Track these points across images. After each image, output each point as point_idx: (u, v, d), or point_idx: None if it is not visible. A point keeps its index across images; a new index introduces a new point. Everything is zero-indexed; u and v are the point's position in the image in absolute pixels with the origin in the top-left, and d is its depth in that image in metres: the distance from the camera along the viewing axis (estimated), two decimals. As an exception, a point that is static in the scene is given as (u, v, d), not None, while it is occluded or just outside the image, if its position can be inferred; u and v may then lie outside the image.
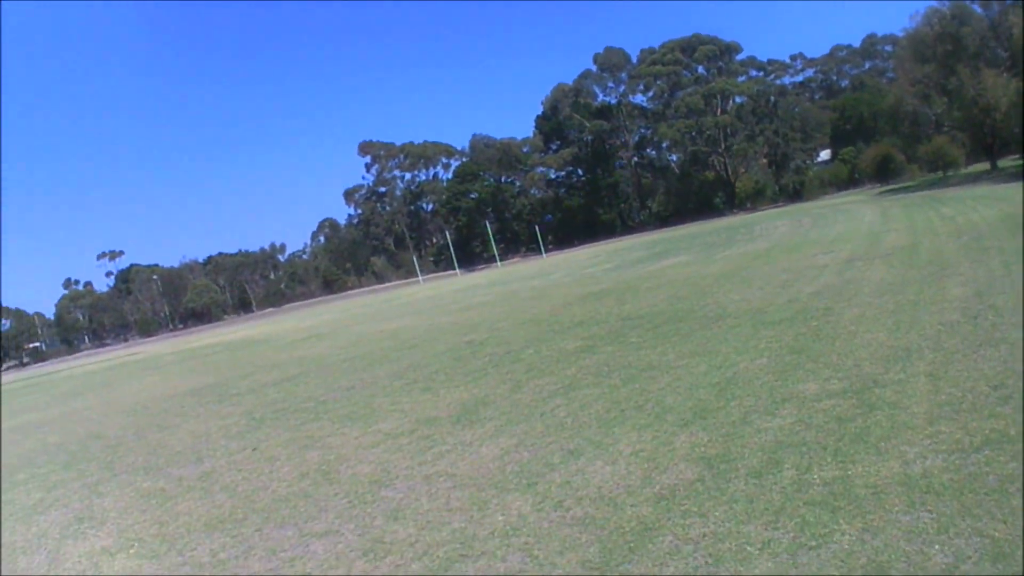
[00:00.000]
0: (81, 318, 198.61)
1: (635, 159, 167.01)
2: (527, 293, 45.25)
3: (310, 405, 19.69)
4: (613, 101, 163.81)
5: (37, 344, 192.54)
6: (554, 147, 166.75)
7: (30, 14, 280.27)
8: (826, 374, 12.08)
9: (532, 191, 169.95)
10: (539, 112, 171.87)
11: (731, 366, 14.05)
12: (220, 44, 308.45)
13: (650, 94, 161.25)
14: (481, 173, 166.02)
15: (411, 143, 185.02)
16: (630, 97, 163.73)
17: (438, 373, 20.55)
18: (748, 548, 6.89)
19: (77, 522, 12.74)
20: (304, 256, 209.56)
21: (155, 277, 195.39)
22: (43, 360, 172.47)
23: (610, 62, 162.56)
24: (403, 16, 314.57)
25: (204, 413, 22.44)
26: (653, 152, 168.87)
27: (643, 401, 12.83)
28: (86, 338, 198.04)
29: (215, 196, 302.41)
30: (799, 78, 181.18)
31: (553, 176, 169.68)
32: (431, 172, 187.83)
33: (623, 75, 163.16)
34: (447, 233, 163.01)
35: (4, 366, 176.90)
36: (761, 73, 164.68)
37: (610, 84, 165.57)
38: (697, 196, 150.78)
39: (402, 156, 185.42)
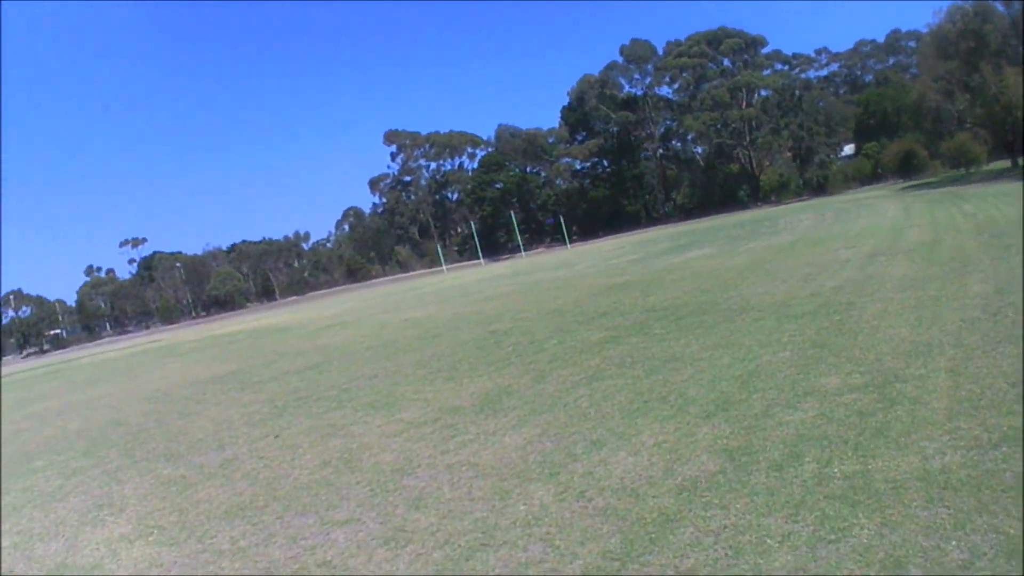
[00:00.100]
0: (103, 305, 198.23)
1: (660, 151, 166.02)
2: (551, 283, 45.24)
3: (333, 393, 19.71)
4: (639, 93, 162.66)
5: (58, 331, 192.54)
6: (580, 138, 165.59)
7: None
8: (848, 368, 12.08)
9: (557, 182, 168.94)
10: (565, 103, 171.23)
11: (754, 359, 14.07)
12: (247, 32, 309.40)
13: (676, 86, 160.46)
14: (506, 163, 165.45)
15: (437, 133, 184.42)
16: (656, 89, 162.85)
17: (461, 362, 20.60)
18: (768, 541, 6.91)
19: (96, 509, 12.75)
20: (328, 244, 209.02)
21: (178, 264, 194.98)
22: (63, 347, 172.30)
23: (636, 54, 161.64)
24: (431, 6, 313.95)
25: (226, 400, 22.46)
26: (678, 144, 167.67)
27: (666, 392, 12.84)
28: (107, 325, 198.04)
29: (240, 184, 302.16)
30: (823, 72, 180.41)
31: (578, 167, 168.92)
32: (456, 162, 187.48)
33: (649, 67, 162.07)
34: (472, 223, 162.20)
35: (24, 353, 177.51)
36: (786, 67, 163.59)
37: (636, 76, 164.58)
38: (722, 189, 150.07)
39: (428, 145, 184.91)
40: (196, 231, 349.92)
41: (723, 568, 6.61)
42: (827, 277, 23.14)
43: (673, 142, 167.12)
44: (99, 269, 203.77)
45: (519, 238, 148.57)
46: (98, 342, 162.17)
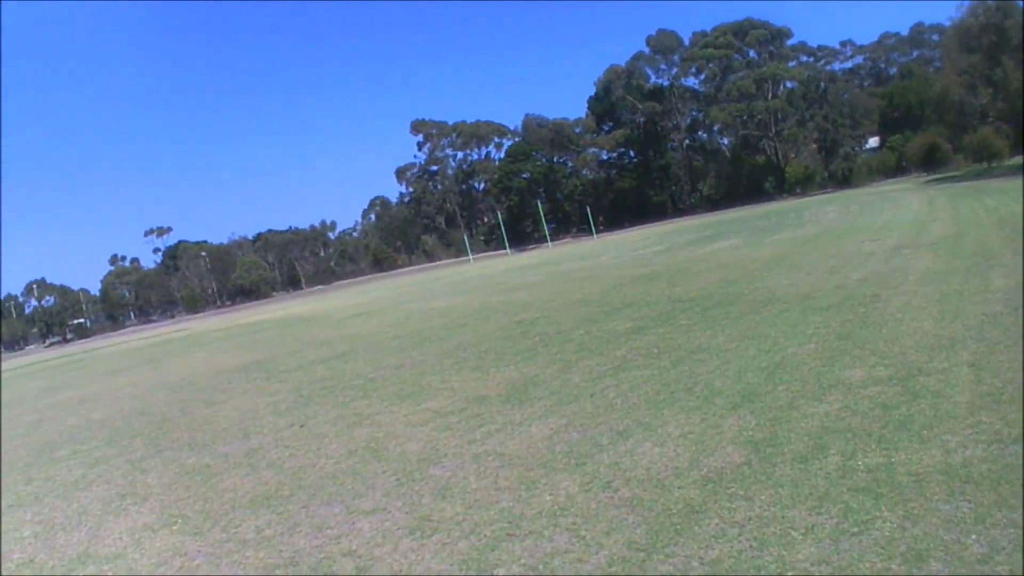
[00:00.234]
0: (127, 294, 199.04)
1: (687, 142, 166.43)
2: (578, 274, 45.24)
3: (359, 382, 19.75)
4: (665, 83, 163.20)
5: (81, 320, 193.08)
6: (606, 128, 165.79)
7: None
8: (872, 361, 12.10)
9: (584, 172, 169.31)
10: (592, 93, 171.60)
11: (779, 350, 14.11)
12: (275, 22, 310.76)
13: (702, 77, 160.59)
14: (533, 153, 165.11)
15: (463, 122, 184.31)
16: (682, 80, 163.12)
17: (488, 352, 20.64)
18: (792, 533, 6.94)
19: (119, 498, 12.76)
20: (355, 234, 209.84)
21: (203, 254, 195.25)
22: (87, 336, 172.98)
23: (662, 44, 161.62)
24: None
25: (251, 390, 22.49)
26: (704, 135, 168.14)
27: (692, 384, 12.88)
28: (132, 315, 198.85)
29: (266, 173, 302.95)
30: (848, 65, 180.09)
31: (605, 157, 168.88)
32: (483, 151, 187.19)
33: (675, 58, 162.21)
34: (498, 212, 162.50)
35: (47, 342, 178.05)
36: (811, 59, 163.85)
37: (662, 66, 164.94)
38: (747, 180, 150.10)
39: (454, 135, 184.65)
40: (222, 220, 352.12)
41: (747, 560, 6.63)
42: (852, 269, 23.16)
43: (699, 133, 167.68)
44: (124, 258, 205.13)
45: (545, 228, 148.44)
46: (122, 331, 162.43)
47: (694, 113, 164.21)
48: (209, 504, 11.38)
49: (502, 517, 8.60)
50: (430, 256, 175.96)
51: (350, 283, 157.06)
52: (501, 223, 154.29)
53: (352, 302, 65.60)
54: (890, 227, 35.77)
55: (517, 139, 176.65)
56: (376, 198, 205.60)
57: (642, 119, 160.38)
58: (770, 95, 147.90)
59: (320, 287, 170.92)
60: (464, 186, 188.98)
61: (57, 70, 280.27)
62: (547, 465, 10.11)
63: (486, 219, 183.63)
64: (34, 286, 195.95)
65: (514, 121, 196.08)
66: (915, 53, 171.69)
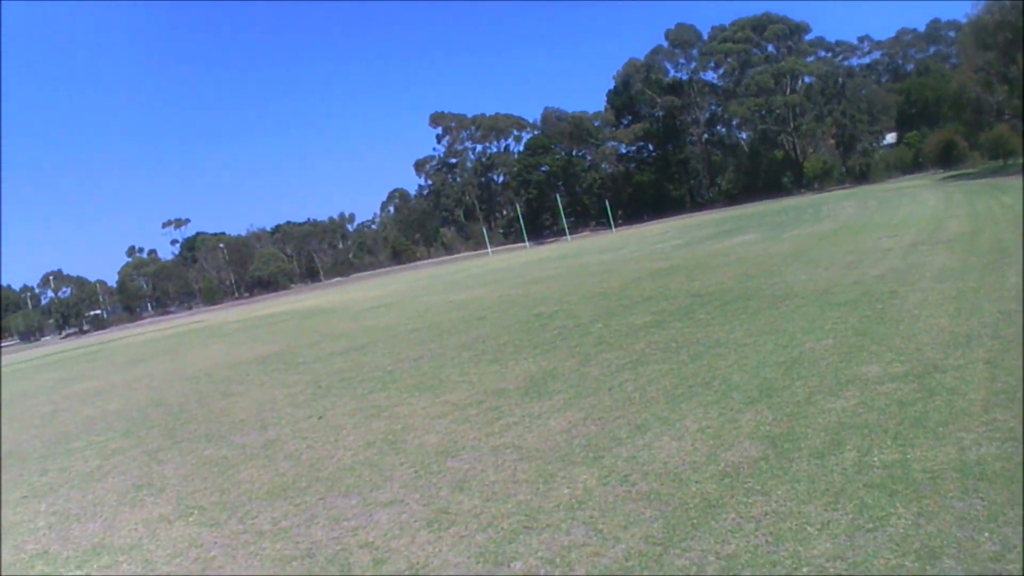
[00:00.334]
0: (144, 286, 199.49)
1: (705, 136, 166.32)
2: (596, 267, 45.33)
3: (377, 375, 19.77)
4: (684, 77, 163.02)
5: (98, 312, 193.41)
6: (625, 122, 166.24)
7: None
8: (889, 357, 12.11)
9: (603, 165, 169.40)
10: (611, 87, 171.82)
11: (797, 346, 14.12)
12: (292, 12, 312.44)
13: (720, 71, 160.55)
14: (552, 146, 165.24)
15: (483, 115, 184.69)
16: (701, 74, 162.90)
17: (507, 345, 20.69)
18: (808, 528, 6.95)
19: (135, 489, 12.78)
20: (373, 226, 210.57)
21: (221, 245, 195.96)
22: (103, 328, 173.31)
23: (681, 39, 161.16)
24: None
25: (269, 381, 22.54)
26: (723, 130, 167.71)
27: (710, 378, 12.91)
28: (149, 306, 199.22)
29: (284, 165, 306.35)
30: (866, 60, 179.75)
31: (624, 151, 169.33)
32: (502, 144, 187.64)
33: (694, 52, 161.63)
34: (517, 206, 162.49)
35: (63, 333, 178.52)
36: (829, 54, 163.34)
37: (681, 61, 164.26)
38: (766, 175, 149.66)
39: (474, 128, 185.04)
40: (240, 212, 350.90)
41: (763, 555, 6.66)
42: (870, 265, 23.13)
43: (718, 127, 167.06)
44: (141, 250, 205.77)
45: (564, 221, 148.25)
46: (139, 323, 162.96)
47: (713, 107, 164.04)
48: (226, 495, 11.42)
49: (520, 510, 8.63)
50: (449, 249, 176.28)
51: (369, 275, 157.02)
52: (520, 216, 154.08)
53: (371, 294, 65.79)
54: (907, 223, 35.67)
55: (536, 132, 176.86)
56: (395, 190, 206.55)
57: (661, 113, 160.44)
58: (788, 90, 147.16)
59: (338, 279, 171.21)
60: (483, 179, 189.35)
61: (76, 63, 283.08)
62: (565, 458, 10.13)
63: (505, 212, 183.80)
64: (51, 277, 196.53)
65: (533, 114, 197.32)
66: (932, 50, 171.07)
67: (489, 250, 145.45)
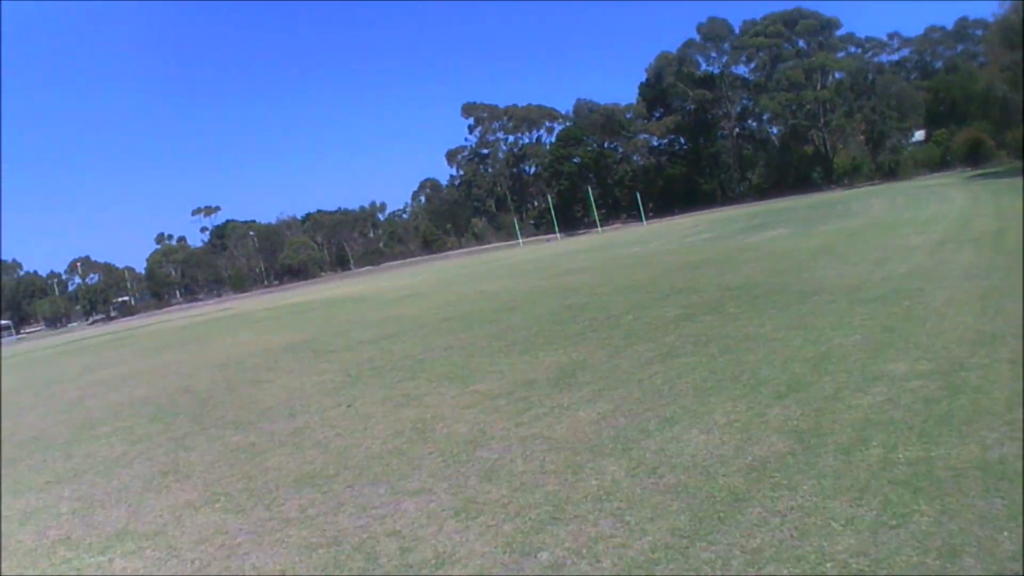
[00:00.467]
0: (173, 273, 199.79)
1: (736, 130, 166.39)
2: (627, 259, 45.44)
3: (407, 363, 19.82)
4: (716, 71, 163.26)
5: (126, 298, 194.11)
6: (657, 115, 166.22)
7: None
8: (915, 354, 12.11)
9: (634, 158, 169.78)
10: (643, 79, 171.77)
11: (826, 341, 14.12)
12: (325, 3, 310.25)
13: (752, 66, 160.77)
14: (584, 138, 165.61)
15: (515, 106, 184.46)
16: (732, 68, 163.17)
17: (537, 336, 20.73)
18: (833, 524, 6.98)
19: (161, 476, 12.82)
20: (404, 215, 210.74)
21: (251, 233, 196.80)
22: (131, 314, 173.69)
23: (713, 32, 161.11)
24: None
25: (298, 369, 22.60)
26: (754, 124, 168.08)
27: (739, 372, 12.93)
28: (177, 293, 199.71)
29: (316, 154, 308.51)
30: (895, 57, 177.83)
31: (655, 144, 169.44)
32: (534, 135, 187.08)
33: (726, 46, 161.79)
34: (548, 197, 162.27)
35: (90, 320, 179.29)
36: (859, 50, 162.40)
37: (713, 54, 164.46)
38: (796, 170, 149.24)
39: (506, 118, 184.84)
40: (271, 200, 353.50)
41: (788, 549, 6.69)
42: (898, 262, 23.15)
43: (749, 122, 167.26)
44: (170, 237, 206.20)
45: (595, 213, 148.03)
46: (167, 310, 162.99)
47: (744, 101, 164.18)
48: (253, 482, 11.45)
49: (547, 501, 8.66)
50: (480, 239, 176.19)
51: (399, 264, 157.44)
52: (551, 207, 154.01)
53: (401, 283, 65.99)
54: (935, 221, 35.70)
55: (568, 124, 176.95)
56: (426, 180, 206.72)
57: (692, 106, 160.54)
58: (819, 85, 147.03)
59: (369, 268, 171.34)
60: (515, 170, 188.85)
61: (108, 50, 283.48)
62: (593, 450, 10.17)
63: (536, 203, 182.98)
64: (78, 264, 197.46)
65: (565, 106, 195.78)
66: (960, 47, 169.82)
67: (520, 241, 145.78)
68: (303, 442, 13.38)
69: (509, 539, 7.85)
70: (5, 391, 32.46)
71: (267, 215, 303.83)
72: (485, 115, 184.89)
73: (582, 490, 8.79)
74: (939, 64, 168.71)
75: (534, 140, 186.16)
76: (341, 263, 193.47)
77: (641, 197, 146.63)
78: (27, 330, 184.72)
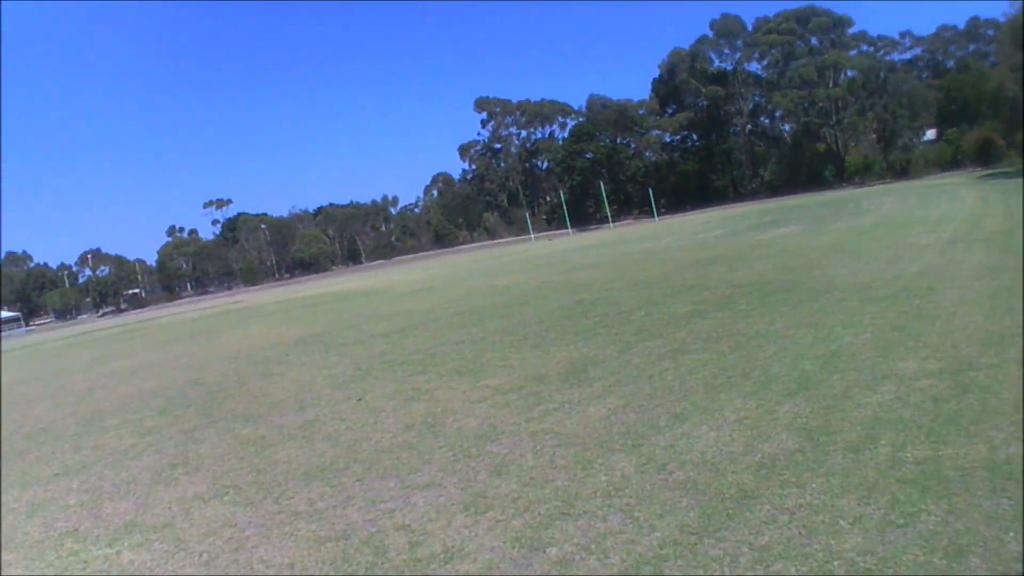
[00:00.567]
0: (184, 265, 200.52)
1: (749, 127, 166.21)
2: (639, 255, 45.44)
3: (418, 357, 19.84)
4: (729, 68, 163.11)
5: (136, 290, 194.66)
6: (670, 111, 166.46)
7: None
8: (925, 353, 12.11)
9: (647, 154, 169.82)
10: (656, 75, 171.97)
11: (836, 339, 14.13)
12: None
13: (764, 63, 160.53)
14: (597, 133, 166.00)
15: (527, 101, 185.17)
16: (745, 65, 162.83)
17: (548, 331, 20.74)
18: (841, 522, 6.98)
19: (170, 468, 12.83)
20: (416, 210, 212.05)
21: (263, 226, 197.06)
22: (141, 306, 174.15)
23: (726, 29, 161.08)
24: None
25: (309, 362, 22.62)
26: (766, 121, 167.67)
27: (749, 369, 12.95)
28: (188, 286, 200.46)
29: (328, 148, 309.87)
30: (907, 56, 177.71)
31: (668, 140, 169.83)
32: (547, 130, 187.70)
33: (738, 42, 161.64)
34: (560, 192, 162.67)
35: (100, 312, 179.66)
36: (871, 48, 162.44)
37: (726, 51, 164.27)
38: (808, 167, 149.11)
39: (518, 113, 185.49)
40: (283, 194, 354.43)
41: (796, 547, 6.70)
42: (909, 261, 23.17)
43: (761, 119, 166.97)
44: (182, 230, 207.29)
45: (607, 209, 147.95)
46: (178, 302, 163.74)
47: (756, 98, 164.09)
48: (262, 475, 11.47)
49: (557, 496, 8.67)
50: (491, 234, 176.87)
51: (411, 258, 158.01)
52: (563, 203, 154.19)
53: (412, 277, 66.09)
54: (946, 220, 35.72)
55: (581, 119, 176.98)
56: (439, 174, 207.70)
57: (705, 103, 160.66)
58: (831, 83, 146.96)
59: (380, 262, 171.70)
60: (527, 165, 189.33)
61: (121, 44, 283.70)
62: (603, 445, 10.18)
63: (548, 198, 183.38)
64: (88, 256, 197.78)
65: (578, 101, 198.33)
66: (972, 47, 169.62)
67: (532, 236, 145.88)
68: (313, 435, 13.39)
69: (518, 534, 7.86)
70: (15, 383, 32.64)
71: (279, 208, 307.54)
72: (498, 110, 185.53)
73: (591, 486, 8.80)
74: (951, 63, 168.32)
75: (547, 135, 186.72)
76: (353, 257, 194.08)
77: (653, 193, 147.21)
78: (36, 322, 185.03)
